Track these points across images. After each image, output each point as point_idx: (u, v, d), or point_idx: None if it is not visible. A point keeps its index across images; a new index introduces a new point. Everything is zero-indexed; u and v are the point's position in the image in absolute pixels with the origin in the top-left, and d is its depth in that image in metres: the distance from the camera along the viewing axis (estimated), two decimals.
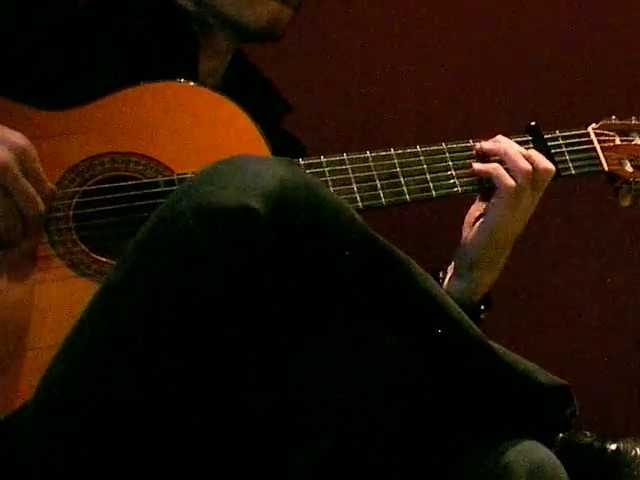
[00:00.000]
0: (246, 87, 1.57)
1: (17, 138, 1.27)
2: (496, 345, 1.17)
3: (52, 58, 1.42)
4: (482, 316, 1.45)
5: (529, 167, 1.42)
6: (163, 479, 1.15)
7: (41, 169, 1.29)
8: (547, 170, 1.44)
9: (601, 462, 1.25)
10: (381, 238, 1.14)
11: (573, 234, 2.03)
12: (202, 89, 1.43)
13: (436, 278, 1.46)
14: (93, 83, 1.41)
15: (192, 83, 1.43)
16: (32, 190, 1.27)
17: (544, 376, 1.19)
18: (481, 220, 1.44)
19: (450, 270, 1.48)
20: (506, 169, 1.43)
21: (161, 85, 1.41)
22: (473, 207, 1.48)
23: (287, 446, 1.15)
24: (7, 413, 1.23)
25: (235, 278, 1.09)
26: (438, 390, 1.16)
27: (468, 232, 1.46)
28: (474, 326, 1.17)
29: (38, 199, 1.28)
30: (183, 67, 1.47)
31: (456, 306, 1.17)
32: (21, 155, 1.27)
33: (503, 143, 1.45)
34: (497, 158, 1.45)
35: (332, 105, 1.94)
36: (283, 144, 1.48)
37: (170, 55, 1.48)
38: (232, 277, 1.09)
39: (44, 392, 1.16)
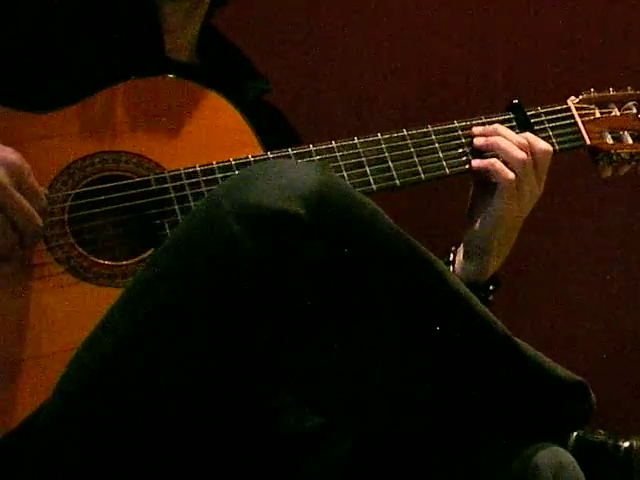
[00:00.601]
0: (226, 68, 1.56)
1: (8, 153, 1.25)
2: (519, 340, 1.19)
3: (29, 58, 1.40)
4: (491, 297, 1.46)
5: (524, 156, 1.42)
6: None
7: (35, 183, 1.27)
8: (544, 151, 1.44)
9: (614, 459, 1.28)
10: (409, 236, 1.16)
11: (574, 231, 2.05)
12: (189, 83, 1.42)
13: (446, 263, 1.47)
14: (71, 79, 1.40)
15: (177, 77, 1.42)
16: (28, 206, 1.26)
17: (563, 372, 1.21)
18: (486, 211, 1.44)
19: (459, 252, 1.48)
20: (504, 162, 1.43)
21: (146, 81, 1.40)
22: (473, 190, 1.47)
23: (307, 450, 1.17)
24: (13, 422, 1.23)
25: (278, 281, 1.10)
26: (461, 387, 1.18)
27: (473, 218, 1.46)
28: (498, 322, 1.19)
29: (34, 214, 1.26)
30: (149, 46, 1.46)
31: (480, 303, 1.19)
32: (14, 171, 1.25)
33: (495, 136, 1.44)
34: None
35: (318, 91, 1.94)
36: (266, 123, 1.48)
37: (135, 36, 1.46)
38: (276, 280, 1.10)
39: (64, 394, 1.17)
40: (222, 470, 1.20)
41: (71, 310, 1.28)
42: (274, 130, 1.52)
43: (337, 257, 1.12)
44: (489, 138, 1.45)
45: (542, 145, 1.45)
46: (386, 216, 1.16)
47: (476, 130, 1.46)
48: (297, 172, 1.12)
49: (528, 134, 1.46)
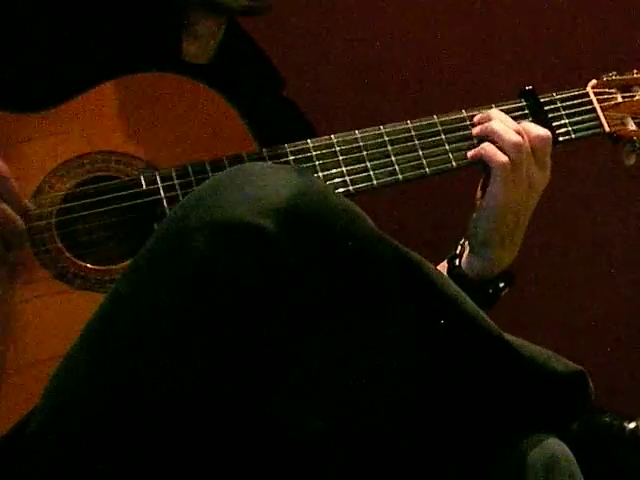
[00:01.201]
0: (240, 61, 1.53)
1: None
2: (510, 337, 1.16)
3: (25, 54, 1.38)
4: (502, 293, 1.41)
5: (519, 139, 1.36)
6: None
7: (14, 186, 1.26)
8: (540, 137, 1.38)
9: (621, 440, 1.27)
10: (392, 240, 1.13)
11: (577, 224, 2.00)
12: (182, 79, 1.37)
13: (453, 256, 1.43)
14: (72, 74, 1.37)
15: (171, 74, 1.37)
16: (9, 211, 1.25)
17: (559, 363, 1.17)
18: (482, 199, 1.38)
19: (466, 246, 1.43)
20: (499, 146, 1.37)
21: (139, 77, 1.36)
22: (481, 180, 1.42)
23: (305, 453, 1.15)
24: (1, 429, 1.23)
25: (248, 296, 1.07)
26: (455, 385, 1.15)
27: (474, 210, 1.41)
28: (489, 320, 1.15)
29: (16, 218, 1.26)
30: (166, 50, 1.44)
31: (471, 302, 1.15)
32: None
33: (490, 121, 1.39)
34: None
35: (317, 81, 1.90)
36: (279, 120, 1.47)
37: (152, 40, 1.44)
38: (246, 295, 1.07)
39: (51, 401, 1.15)
40: (220, 475, 1.17)
41: (59, 316, 1.26)
42: (288, 127, 1.50)
43: (314, 267, 1.08)
44: (483, 124, 1.39)
45: (538, 130, 1.38)
46: (368, 220, 1.12)
47: (476, 118, 1.41)
48: (269, 182, 1.08)
49: (523, 122, 1.40)
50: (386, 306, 1.12)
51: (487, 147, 1.37)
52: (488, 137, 1.38)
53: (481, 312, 1.16)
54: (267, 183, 1.08)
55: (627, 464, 1.25)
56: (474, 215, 1.40)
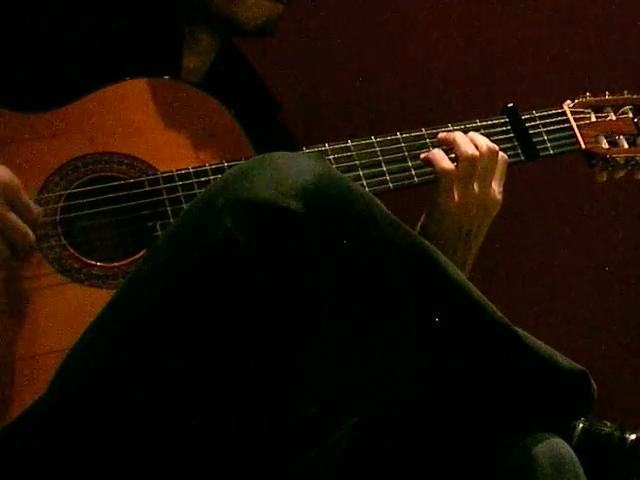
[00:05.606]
0: (232, 78, 1.56)
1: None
2: (519, 329, 1.19)
3: (30, 56, 1.40)
4: None
5: (474, 153, 1.39)
6: (177, 474, 1.17)
7: (26, 198, 1.26)
8: (491, 150, 1.41)
9: (621, 452, 1.28)
10: (407, 226, 1.16)
11: (571, 224, 2.02)
12: (182, 85, 1.42)
13: None
14: (74, 79, 1.39)
15: (172, 79, 1.42)
16: (21, 224, 1.25)
17: (564, 360, 1.21)
18: (428, 207, 1.42)
19: None
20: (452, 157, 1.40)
21: (141, 82, 1.40)
22: None
23: (305, 436, 1.17)
24: (5, 420, 1.23)
25: (273, 276, 1.10)
26: (460, 376, 1.19)
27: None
28: (498, 311, 1.19)
29: (27, 231, 1.25)
30: (165, 64, 1.46)
31: (480, 292, 1.19)
32: (4, 189, 1.24)
33: (456, 131, 1.42)
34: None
35: (315, 92, 1.95)
36: (271, 137, 1.49)
37: (153, 51, 1.46)
38: (270, 275, 1.10)
39: (58, 391, 1.17)
40: (218, 458, 1.19)
41: (63, 311, 1.28)
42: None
43: (335, 249, 1.12)
44: (450, 133, 1.42)
45: (489, 144, 1.41)
46: (384, 207, 1.16)
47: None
48: (293, 165, 1.12)
49: (478, 135, 1.42)
50: (400, 291, 1.15)
51: (437, 152, 1.40)
52: (448, 144, 1.41)
53: (489, 302, 1.20)
54: (291, 168, 1.12)
55: (627, 476, 1.27)
56: (421, 218, 1.43)
